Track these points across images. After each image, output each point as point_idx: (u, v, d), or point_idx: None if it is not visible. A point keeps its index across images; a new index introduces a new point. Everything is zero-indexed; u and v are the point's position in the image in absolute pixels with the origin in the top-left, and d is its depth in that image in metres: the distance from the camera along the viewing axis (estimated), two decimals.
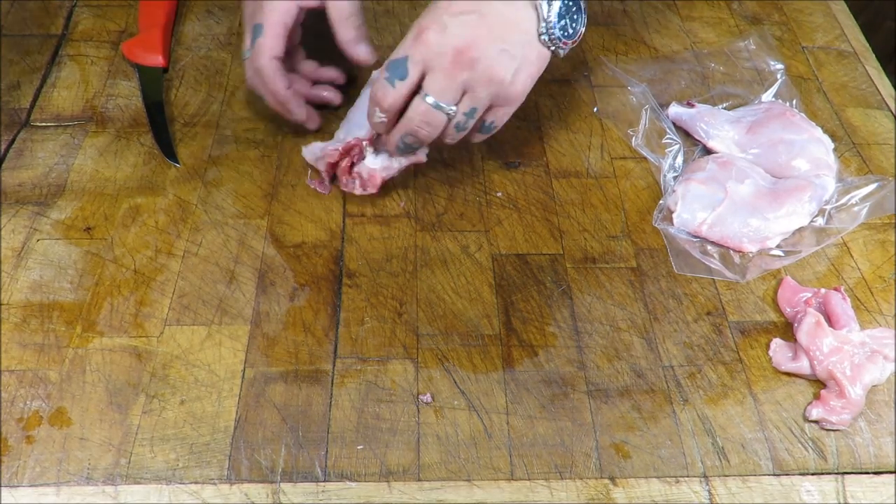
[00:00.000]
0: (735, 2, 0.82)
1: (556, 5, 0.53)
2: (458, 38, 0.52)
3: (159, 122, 0.66)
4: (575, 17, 0.54)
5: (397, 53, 0.54)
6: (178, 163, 0.64)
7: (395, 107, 0.55)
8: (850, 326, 0.53)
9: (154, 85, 0.70)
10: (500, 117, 0.57)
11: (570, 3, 0.54)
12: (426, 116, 0.54)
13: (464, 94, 0.54)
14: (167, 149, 0.64)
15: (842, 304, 0.54)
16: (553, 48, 0.55)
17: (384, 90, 0.54)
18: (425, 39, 0.52)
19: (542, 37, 0.54)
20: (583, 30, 0.55)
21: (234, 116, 0.68)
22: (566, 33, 0.54)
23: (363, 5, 0.63)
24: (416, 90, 0.54)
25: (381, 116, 0.56)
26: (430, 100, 0.53)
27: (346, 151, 0.60)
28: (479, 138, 0.59)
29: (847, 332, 0.52)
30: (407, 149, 0.58)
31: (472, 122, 0.55)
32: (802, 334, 0.53)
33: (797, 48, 0.78)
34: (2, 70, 0.71)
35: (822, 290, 0.55)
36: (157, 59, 0.71)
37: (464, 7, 0.52)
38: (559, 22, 0.53)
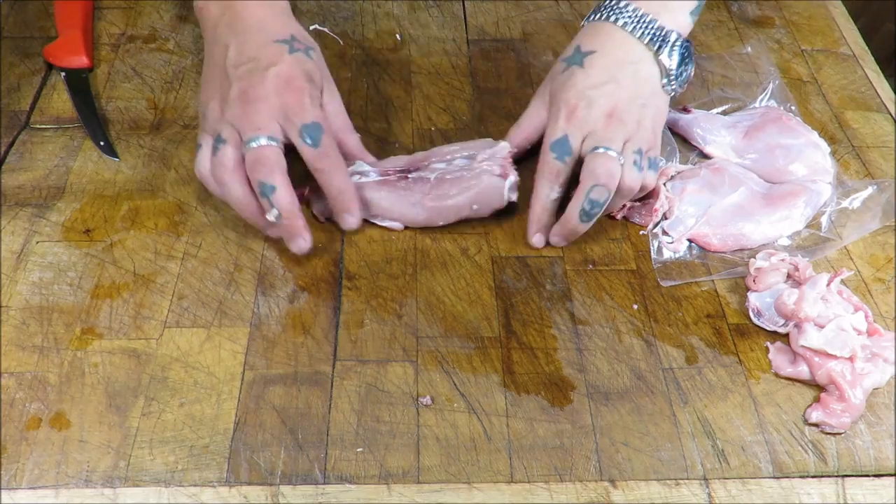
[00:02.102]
0: (735, 5, 0.82)
1: (676, 57, 0.58)
2: (605, 106, 0.56)
3: (93, 122, 0.66)
4: (688, 61, 0.60)
5: (555, 133, 0.57)
6: (118, 158, 0.64)
7: (566, 179, 0.57)
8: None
9: (82, 85, 0.70)
10: (656, 151, 0.60)
11: (685, 52, 0.59)
12: (606, 163, 0.55)
13: (625, 144, 0.56)
14: (106, 147, 0.65)
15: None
16: (673, 93, 0.60)
17: (556, 167, 0.57)
18: (577, 116, 0.56)
19: (666, 87, 0.59)
20: (693, 70, 0.61)
21: None
22: (681, 80, 0.60)
23: (363, 6, 0.63)
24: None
25: (557, 193, 0.58)
26: (601, 149, 0.55)
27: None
28: (648, 188, 0.60)
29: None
30: (592, 211, 0.56)
31: (644, 164, 0.57)
32: (783, 305, 0.54)
33: (796, 51, 0.78)
34: (2, 72, 0.71)
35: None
36: (82, 60, 0.71)
37: (601, 78, 0.57)
38: (678, 70, 0.59)
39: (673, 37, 0.58)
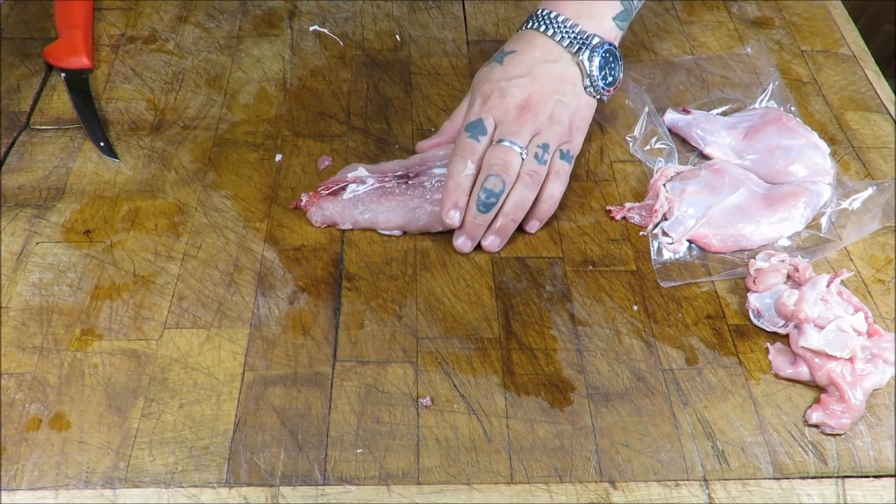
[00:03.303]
0: (735, 6, 0.82)
1: (597, 60, 0.60)
2: (519, 96, 0.59)
3: (93, 123, 0.66)
4: (613, 66, 0.61)
5: (470, 117, 0.60)
6: (117, 159, 0.64)
7: (479, 160, 0.58)
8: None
9: (82, 86, 0.70)
10: (574, 148, 0.61)
11: (608, 56, 0.60)
12: (503, 155, 0.57)
13: (532, 137, 0.58)
14: (106, 148, 0.65)
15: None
16: (597, 96, 0.62)
17: (471, 145, 0.58)
18: (491, 103, 0.59)
19: (588, 88, 0.61)
20: (621, 76, 0.62)
21: (234, 119, 0.68)
22: (607, 82, 0.61)
23: (363, 7, 0.63)
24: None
25: (470, 170, 0.58)
26: (505, 142, 0.58)
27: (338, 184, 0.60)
28: (561, 179, 0.60)
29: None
30: (488, 200, 0.57)
31: (547, 158, 0.59)
32: (782, 306, 0.54)
33: (796, 52, 0.78)
34: (2, 73, 0.71)
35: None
36: (82, 61, 0.71)
37: (517, 71, 0.60)
38: (600, 73, 0.60)
39: (594, 41, 0.60)
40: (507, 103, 0.59)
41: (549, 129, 0.59)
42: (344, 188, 0.60)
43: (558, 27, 0.60)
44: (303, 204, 0.60)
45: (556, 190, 0.60)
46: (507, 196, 0.58)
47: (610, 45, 0.61)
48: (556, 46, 0.60)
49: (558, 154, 0.59)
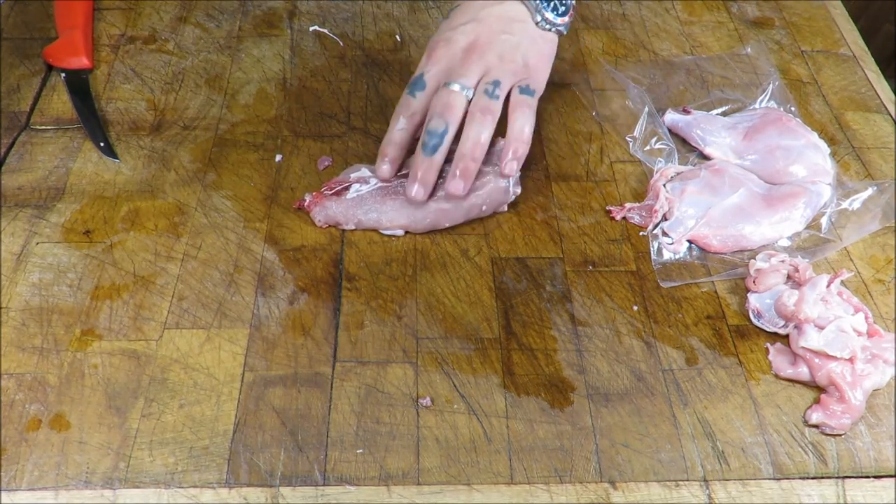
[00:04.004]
0: (735, 6, 0.82)
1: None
2: (463, 40, 0.59)
3: (93, 123, 0.66)
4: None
5: (415, 74, 0.59)
6: (117, 159, 0.64)
7: (416, 115, 0.59)
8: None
9: (82, 86, 0.70)
10: (534, 83, 0.60)
11: None
12: (445, 97, 0.57)
13: (482, 77, 0.58)
14: (106, 148, 0.65)
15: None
16: (552, 29, 0.61)
17: (406, 101, 0.59)
18: (436, 54, 0.59)
19: (540, 23, 0.60)
20: (573, 2, 0.61)
21: (234, 120, 0.68)
22: (558, 12, 0.61)
23: (363, 7, 0.63)
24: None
25: (402, 124, 0.58)
26: (449, 85, 0.57)
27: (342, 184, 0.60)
28: (525, 113, 0.58)
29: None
30: (431, 141, 0.57)
31: (499, 94, 0.58)
32: (782, 306, 0.54)
33: (796, 52, 0.78)
34: (2, 73, 0.71)
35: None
36: (82, 61, 0.71)
37: (462, 19, 0.59)
38: (548, 5, 0.60)
39: None
40: (451, 50, 0.58)
41: (500, 66, 0.58)
42: (347, 188, 0.60)
43: None
44: (306, 204, 0.60)
45: (522, 124, 0.58)
46: (463, 137, 0.57)
47: None
48: None
49: (517, 90, 0.58)
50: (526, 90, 0.59)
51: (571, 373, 0.53)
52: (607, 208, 0.62)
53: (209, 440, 0.49)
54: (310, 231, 0.60)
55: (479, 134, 0.57)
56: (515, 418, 0.50)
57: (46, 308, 0.55)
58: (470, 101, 0.57)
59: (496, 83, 0.57)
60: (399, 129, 0.58)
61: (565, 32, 0.62)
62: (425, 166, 0.57)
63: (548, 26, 0.60)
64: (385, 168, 0.59)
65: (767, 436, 0.50)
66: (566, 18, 0.61)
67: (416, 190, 0.57)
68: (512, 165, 0.58)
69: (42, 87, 0.70)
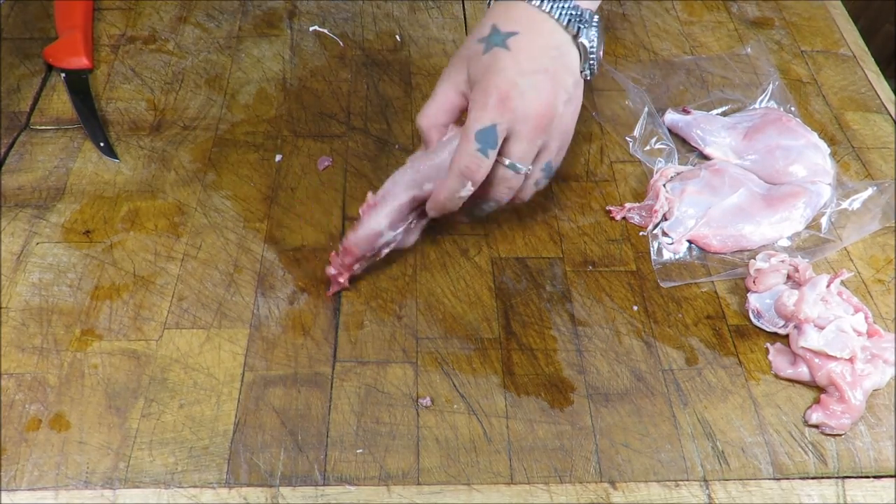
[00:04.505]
0: (735, 6, 0.82)
1: (594, 37, 0.53)
2: (537, 101, 0.51)
3: (93, 123, 0.66)
4: (601, 42, 0.55)
5: (483, 121, 0.50)
6: (117, 159, 0.64)
7: (485, 177, 0.52)
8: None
9: (82, 86, 0.70)
10: (564, 153, 0.57)
11: (598, 31, 0.54)
12: (510, 182, 0.53)
13: (539, 153, 0.53)
14: (106, 148, 0.65)
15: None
16: (588, 78, 0.55)
17: (479, 161, 0.51)
18: (510, 106, 0.50)
19: (584, 73, 0.54)
20: (602, 52, 0.56)
21: (234, 120, 0.68)
22: (597, 59, 0.55)
23: (363, 7, 0.63)
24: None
25: (469, 191, 0.52)
26: (511, 165, 0.52)
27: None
28: (528, 193, 0.56)
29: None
30: (478, 214, 0.56)
31: (545, 182, 0.56)
32: (782, 306, 0.54)
33: (796, 52, 0.78)
34: (2, 73, 0.71)
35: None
36: (82, 61, 0.71)
37: (531, 66, 0.51)
38: (598, 49, 0.54)
39: (587, 15, 0.53)
40: (525, 110, 0.51)
41: (552, 142, 0.54)
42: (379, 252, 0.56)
43: (555, 2, 0.52)
44: (342, 280, 0.57)
45: (525, 197, 0.56)
46: (488, 199, 0.55)
47: (597, 14, 0.54)
48: (557, 26, 0.52)
49: (546, 173, 0.56)
50: (548, 169, 0.55)
51: (571, 373, 0.53)
52: (607, 208, 0.62)
53: (209, 440, 0.49)
54: (309, 231, 0.60)
55: (500, 204, 0.55)
56: (515, 418, 0.50)
57: (46, 308, 0.55)
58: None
59: (548, 167, 0.55)
60: (462, 196, 0.52)
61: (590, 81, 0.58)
62: (461, 219, 0.57)
63: (590, 74, 0.55)
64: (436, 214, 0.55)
65: (767, 436, 0.50)
66: (597, 68, 0.56)
67: (434, 215, 0.55)
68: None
69: (42, 87, 0.70)
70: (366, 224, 0.54)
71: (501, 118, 0.50)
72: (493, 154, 0.51)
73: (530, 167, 0.53)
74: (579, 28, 0.52)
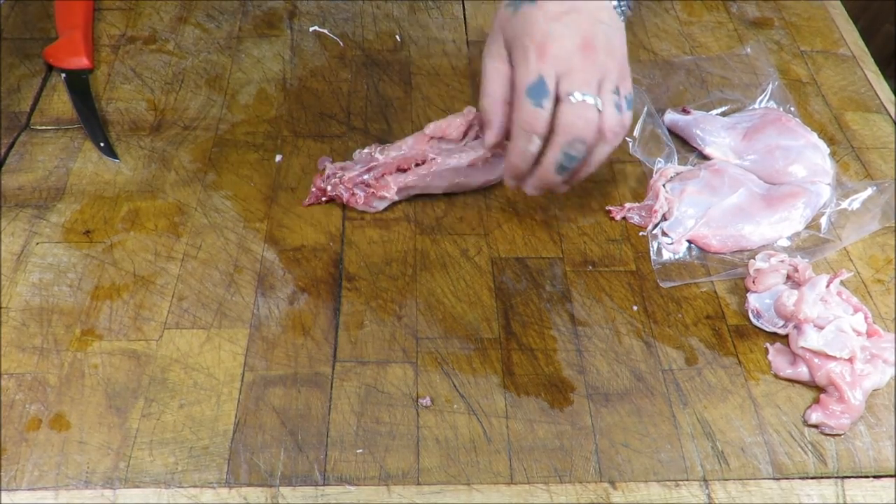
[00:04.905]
0: (734, 6, 0.82)
1: None
2: (574, 38, 0.52)
3: (93, 123, 0.66)
4: None
5: (529, 77, 0.51)
6: (118, 159, 0.64)
7: (548, 126, 0.52)
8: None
9: (82, 86, 0.70)
10: (629, 89, 0.55)
11: None
12: (583, 113, 0.52)
13: (601, 83, 0.53)
14: (106, 148, 0.65)
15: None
16: (623, 17, 0.55)
17: (536, 114, 0.52)
18: (549, 53, 0.51)
19: (617, 8, 0.54)
20: None
21: (234, 120, 0.68)
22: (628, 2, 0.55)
23: (363, 7, 0.63)
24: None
25: (537, 144, 0.53)
26: (577, 96, 0.51)
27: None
28: (626, 128, 0.55)
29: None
30: (569, 165, 0.53)
31: (624, 104, 0.54)
32: (783, 307, 0.54)
33: (796, 52, 0.78)
34: (2, 73, 0.71)
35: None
36: (82, 61, 0.71)
37: (560, 8, 0.52)
38: None
39: None
40: (567, 48, 0.51)
41: (613, 68, 0.53)
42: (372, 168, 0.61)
43: None
44: (345, 199, 0.60)
45: (614, 126, 0.54)
46: (590, 155, 0.54)
47: None
48: None
49: (624, 101, 0.54)
50: (629, 102, 0.54)
51: (571, 373, 0.53)
52: (607, 208, 0.63)
53: (209, 440, 0.49)
54: (309, 231, 0.60)
55: (605, 156, 0.54)
56: (515, 418, 0.50)
57: (46, 308, 0.55)
58: (599, 113, 0.52)
59: (617, 91, 0.53)
60: (532, 151, 0.53)
61: (625, 21, 0.56)
62: (548, 181, 0.55)
63: (622, 12, 0.55)
64: (514, 185, 0.57)
65: (767, 436, 0.50)
66: (632, 5, 0.56)
67: (513, 184, 0.57)
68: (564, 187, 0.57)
69: (42, 87, 0.70)
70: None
71: (546, 68, 0.51)
72: (548, 104, 0.51)
73: (597, 97, 0.52)
74: None
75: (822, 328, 0.53)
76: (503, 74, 0.54)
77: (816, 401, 0.51)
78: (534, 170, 0.55)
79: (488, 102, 0.55)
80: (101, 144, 0.65)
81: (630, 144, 0.67)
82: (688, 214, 0.61)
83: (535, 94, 0.51)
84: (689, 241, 0.61)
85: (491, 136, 0.56)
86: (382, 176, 0.61)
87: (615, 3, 0.54)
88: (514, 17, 0.53)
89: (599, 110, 0.52)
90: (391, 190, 0.60)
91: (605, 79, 0.53)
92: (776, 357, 0.54)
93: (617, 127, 0.53)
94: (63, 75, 0.70)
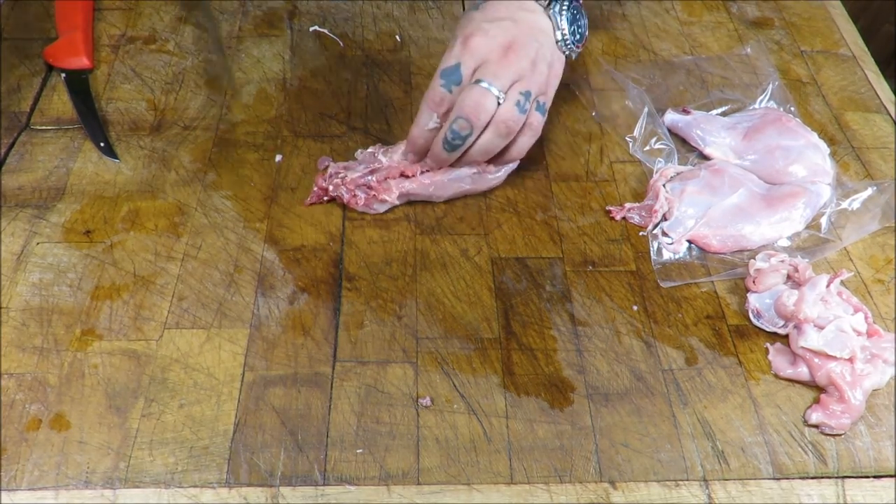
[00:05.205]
0: (734, 6, 0.82)
1: (566, 14, 0.60)
2: (502, 36, 0.57)
3: (93, 123, 0.66)
4: (580, 22, 0.61)
5: (448, 61, 0.57)
6: (118, 159, 0.64)
7: (449, 109, 0.57)
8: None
9: (82, 86, 0.70)
10: (548, 100, 0.60)
11: (575, 11, 0.61)
12: (478, 98, 0.55)
13: (514, 83, 0.56)
14: (106, 148, 0.65)
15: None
16: (567, 52, 0.61)
17: (440, 95, 0.57)
18: (473, 44, 0.56)
19: (559, 43, 0.60)
20: (587, 33, 0.62)
21: (234, 120, 0.68)
22: (576, 38, 0.61)
23: (363, 7, 0.63)
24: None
25: (436, 121, 0.58)
26: (483, 84, 0.55)
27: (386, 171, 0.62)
28: (533, 133, 0.60)
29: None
30: (454, 142, 0.57)
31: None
32: (782, 306, 0.54)
33: (796, 52, 0.78)
34: (2, 73, 0.71)
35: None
36: (82, 61, 0.71)
37: (499, 13, 0.58)
38: (570, 27, 0.60)
39: None
40: (490, 43, 0.56)
41: (532, 75, 0.57)
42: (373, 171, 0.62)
43: None
44: (346, 200, 0.61)
45: (527, 143, 0.60)
46: (476, 140, 0.57)
47: (577, 2, 0.61)
48: None
49: (535, 104, 0.58)
50: (541, 108, 0.59)
51: (571, 373, 0.53)
52: (607, 208, 0.63)
53: (209, 440, 0.49)
54: (309, 231, 0.60)
55: (495, 146, 0.58)
56: (515, 418, 0.50)
57: (46, 308, 0.55)
58: (498, 106, 0.56)
59: (527, 95, 0.57)
60: (431, 127, 0.58)
61: (574, 58, 0.62)
62: (441, 157, 0.59)
63: (565, 48, 0.60)
64: (414, 160, 0.60)
65: (767, 436, 0.50)
66: (579, 46, 0.61)
67: (413, 158, 0.61)
68: (500, 174, 0.61)
69: (42, 87, 0.70)
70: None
71: (466, 57, 0.56)
72: (456, 90, 0.56)
73: (503, 94, 0.56)
74: (550, 1, 0.59)
75: (822, 328, 0.53)
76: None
77: (816, 401, 0.51)
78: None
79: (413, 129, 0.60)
80: (101, 144, 0.65)
81: (630, 144, 0.67)
82: (688, 214, 0.61)
83: (447, 77, 0.56)
84: (690, 241, 0.61)
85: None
86: (385, 179, 0.61)
87: (559, 36, 0.60)
88: (462, 17, 0.60)
89: (500, 103, 0.56)
90: (393, 194, 0.60)
91: (520, 81, 0.57)
92: (776, 357, 0.54)
93: (510, 119, 0.56)
94: (63, 75, 0.70)
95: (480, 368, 0.53)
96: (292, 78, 0.72)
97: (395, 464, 0.48)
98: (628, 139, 0.68)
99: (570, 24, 0.60)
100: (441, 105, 0.57)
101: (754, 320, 0.56)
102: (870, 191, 0.63)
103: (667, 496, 0.47)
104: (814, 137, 0.66)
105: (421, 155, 0.61)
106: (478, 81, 0.55)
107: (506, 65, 0.56)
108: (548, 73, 0.58)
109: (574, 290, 0.57)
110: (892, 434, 0.50)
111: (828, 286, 0.54)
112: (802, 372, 0.52)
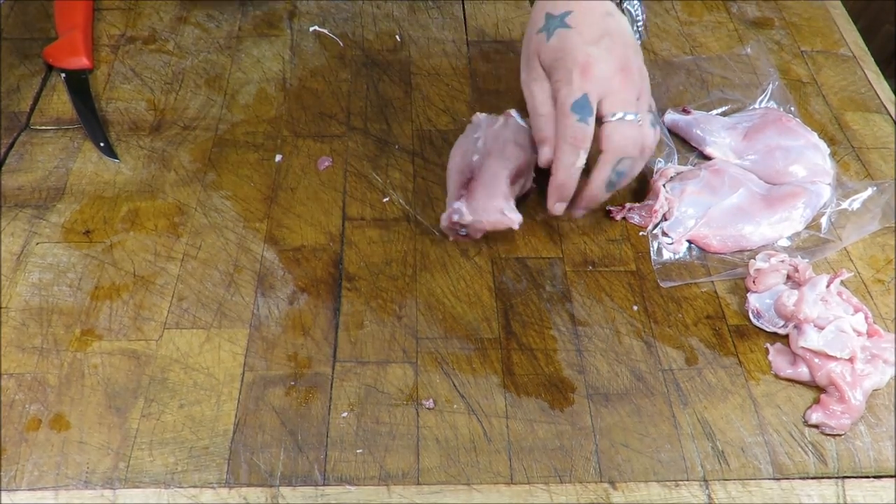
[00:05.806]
0: (735, 6, 0.82)
1: (636, 3, 0.59)
2: (613, 60, 0.54)
3: (93, 123, 0.67)
4: (642, 6, 0.61)
5: (573, 94, 0.53)
6: (117, 159, 0.64)
7: (590, 142, 0.54)
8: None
9: (82, 86, 0.70)
10: (657, 113, 0.59)
11: None
12: (630, 133, 0.54)
13: (637, 101, 0.55)
14: (106, 148, 0.65)
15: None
16: (640, 40, 0.60)
17: (582, 129, 0.53)
18: (593, 74, 0.54)
19: (637, 34, 0.59)
20: (646, 15, 0.62)
21: (234, 120, 0.68)
22: (643, 22, 0.61)
23: (363, 7, 0.63)
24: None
25: (583, 160, 0.55)
26: (619, 115, 0.54)
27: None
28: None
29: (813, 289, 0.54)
30: (618, 181, 0.56)
31: (658, 122, 0.57)
32: (783, 307, 0.54)
33: (796, 52, 0.78)
34: (2, 73, 0.71)
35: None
36: (82, 61, 0.71)
37: (595, 34, 0.55)
38: (642, 15, 0.60)
39: None
40: (606, 70, 0.54)
41: (643, 87, 0.56)
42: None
43: None
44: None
45: (645, 163, 0.58)
46: (624, 167, 0.56)
47: None
48: None
49: (655, 117, 0.57)
50: (656, 121, 0.57)
51: (571, 373, 0.53)
52: (607, 208, 0.62)
53: (209, 440, 0.49)
54: (309, 231, 0.60)
55: (639, 170, 0.57)
56: (515, 418, 0.50)
57: (46, 308, 0.55)
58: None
59: (651, 109, 0.56)
60: (578, 167, 0.55)
61: (642, 42, 0.61)
62: (597, 199, 0.57)
63: (639, 38, 0.59)
64: (561, 207, 0.57)
65: (767, 436, 0.50)
66: (646, 32, 0.61)
67: (560, 207, 0.57)
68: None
69: (42, 87, 0.70)
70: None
71: (590, 86, 0.54)
72: (591, 120, 0.54)
73: (637, 116, 0.54)
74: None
75: (822, 328, 0.53)
76: (549, 94, 0.56)
77: (817, 401, 0.51)
78: (580, 190, 0.57)
79: (543, 120, 0.56)
80: (101, 144, 0.65)
81: None
82: (688, 214, 0.61)
83: (580, 110, 0.53)
84: (690, 241, 0.61)
85: (548, 151, 0.56)
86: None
87: (637, 28, 0.59)
88: (551, 41, 0.55)
89: (640, 126, 0.55)
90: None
91: (640, 98, 0.55)
92: (776, 357, 0.54)
93: (654, 142, 0.56)
94: (63, 75, 0.70)
95: (480, 368, 0.53)
96: (292, 78, 0.72)
97: (395, 464, 0.48)
98: None
99: (642, 11, 0.59)
100: (584, 141, 0.54)
101: (754, 320, 0.56)
102: (870, 191, 0.63)
103: (667, 496, 0.47)
104: (814, 137, 0.66)
105: (568, 200, 0.57)
106: (616, 115, 0.54)
107: (628, 87, 0.55)
108: (645, 74, 0.57)
109: (574, 290, 0.57)
110: (892, 434, 0.50)
111: (828, 286, 0.54)
112: (802, 372, 0.52)
